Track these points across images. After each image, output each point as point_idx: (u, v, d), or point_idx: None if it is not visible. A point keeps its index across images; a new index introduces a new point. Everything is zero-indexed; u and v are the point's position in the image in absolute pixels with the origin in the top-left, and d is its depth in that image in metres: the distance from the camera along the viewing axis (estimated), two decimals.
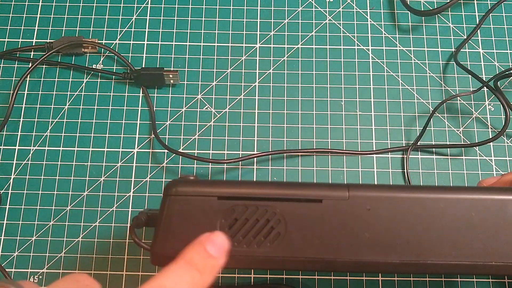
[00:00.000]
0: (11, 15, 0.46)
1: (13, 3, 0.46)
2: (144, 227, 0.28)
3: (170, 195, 0.24)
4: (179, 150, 0.41)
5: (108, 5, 0.46)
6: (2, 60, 0.44)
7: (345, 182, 0.22)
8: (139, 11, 0.46)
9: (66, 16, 0.46)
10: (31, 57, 0.45)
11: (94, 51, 0.44)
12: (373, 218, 0.21)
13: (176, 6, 0.46)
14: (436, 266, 0.21)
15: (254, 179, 0.41)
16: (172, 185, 0.24)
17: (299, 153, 0.42)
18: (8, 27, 0.45)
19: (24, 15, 0.46)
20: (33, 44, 0.45)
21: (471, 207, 0.21)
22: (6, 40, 0.45)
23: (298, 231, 0.21)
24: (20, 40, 0.45)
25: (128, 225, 0.40)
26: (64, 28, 0.45)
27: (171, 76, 0.42)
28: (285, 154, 0.42)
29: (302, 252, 0.21)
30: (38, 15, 0.46)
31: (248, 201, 0.22)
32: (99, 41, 0.45)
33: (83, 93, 0.43)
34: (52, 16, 0.46)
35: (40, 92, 0.43)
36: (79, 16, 0.46)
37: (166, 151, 0.42)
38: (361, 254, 0.21)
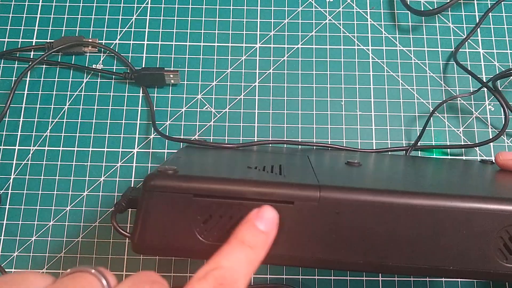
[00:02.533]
0: (11, 15, 0.46)
1: (13, 3, 0.46)
2: (130, 209, 0.28)
3: (147, 189, 0.24)
4: None
5: (108, 5, 0.46)
6: (2, 60, 0.44)
7: (318, 183, 0.23)
8: (139, 11, 0.46)
9: (66, 16, 0.46)
10: (31, 57, 0.45)
11: (94, 51, 0.44)
12: (340, 221, 0.22)
13: (176, 6, 0.46)
14: (398, 268, 0.22)
15: None
16: (149, 179, 0.24)
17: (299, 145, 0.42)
18: (8, 27, 0.45)
19: (24, 15, 0.46)
20: (33, 44, 0.45)
21: (436, 214, 0.22)
22: (6, 40, 0.45)
23: None
24: (20, 40, 0.45)
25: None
26: (64, 28, 0.45)
27: (171, 76, 0.42)
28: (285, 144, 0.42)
29: (272, 249, 0.22)
30: (38, 15, 0.46)
31: (222, 199, 0.23)
32: (99, 41, 0.45)
33: (83, 93, 0.43)
34: (52, 16, 0.46)
35: (40, 92, 0.43)
36: (79, 16, 0.46)
37: (166, 151, 0.42)
38: (326, 254, 0.22)
